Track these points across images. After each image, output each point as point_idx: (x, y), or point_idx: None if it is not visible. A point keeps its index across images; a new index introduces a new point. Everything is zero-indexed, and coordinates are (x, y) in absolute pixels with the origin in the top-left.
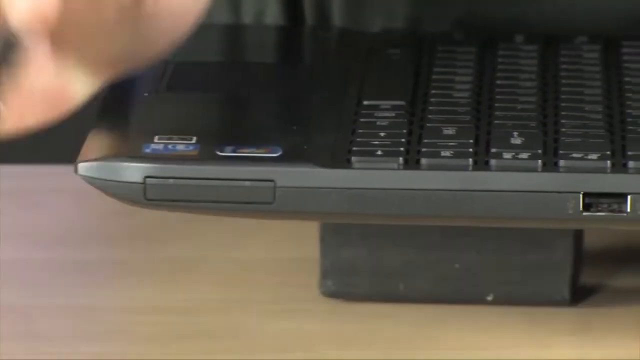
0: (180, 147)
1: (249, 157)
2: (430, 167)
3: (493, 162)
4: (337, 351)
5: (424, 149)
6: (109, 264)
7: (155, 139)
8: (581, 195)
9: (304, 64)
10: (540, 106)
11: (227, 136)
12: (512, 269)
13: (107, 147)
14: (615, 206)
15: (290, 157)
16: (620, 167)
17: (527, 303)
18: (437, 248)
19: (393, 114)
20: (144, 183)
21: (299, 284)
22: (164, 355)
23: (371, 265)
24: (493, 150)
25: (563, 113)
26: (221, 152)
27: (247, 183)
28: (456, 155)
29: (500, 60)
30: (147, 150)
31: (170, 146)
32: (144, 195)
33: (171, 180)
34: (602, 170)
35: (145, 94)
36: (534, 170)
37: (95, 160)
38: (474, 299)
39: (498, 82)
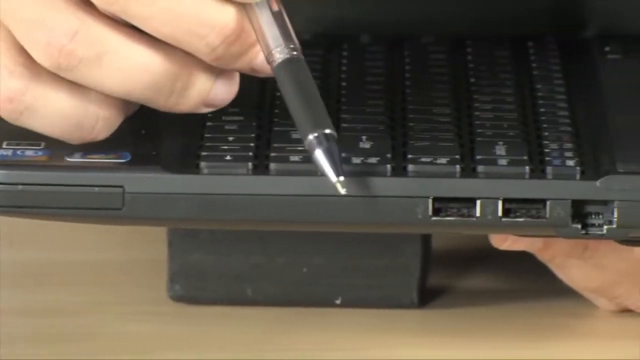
0: (29, 153)
1: (98, 163)
2: (279, 173)
3: (342, 167)
4: (190, 353)
5: (272, 154)
6: None
7: (4, 145)
8: (430, 200)
9: None
10: (388, 109)
11: None
12: (360, 273)
13: None
14: (464, 211)
15: (139, 162)
16: (469, 171)
17: (376, 306)
18: (286, 252)
19: (241, 118)
20: None
21: (149, 285)
22: (20, 356)
23: (219, 270)
24: (342, 155)
25: (411, 116)
26: (70, 158)
27: (96, 189)
28: (305, 160)
29: (345, 61)
30: None
31: (19, 152)
32: None
33: (20, 187)
34: (452, 175)
35: None
36: (383, 175)
37: None
38: (322, 302)
39: (344, 84)
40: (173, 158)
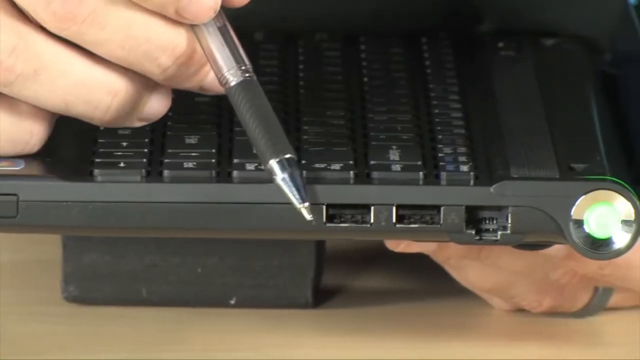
0: None
1: None
2: (173, 180)
3: (235, 173)
4: (84, 354)
5: (166, 160)
6: None
7: None
8: (324, 207)
9: None
10: (282, 111)
11: None
12: (255, 273)
13: None
14: (358, 217)
15: (33, 170)
16: (363, 177)
17: (270, 306)
18: (180, 252)
19: None
20: None
21: (44, 286)
22: None
23: (113, 270)
24: (236, 161)
25: (305, 119)
26: None
27: None
28: (199, 167)
29: None
30: None
31: None
32: None
33: None
34: (345, 181)
35: None
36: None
37: None
38: (217, 302)
39: None
40: (67, 165)
